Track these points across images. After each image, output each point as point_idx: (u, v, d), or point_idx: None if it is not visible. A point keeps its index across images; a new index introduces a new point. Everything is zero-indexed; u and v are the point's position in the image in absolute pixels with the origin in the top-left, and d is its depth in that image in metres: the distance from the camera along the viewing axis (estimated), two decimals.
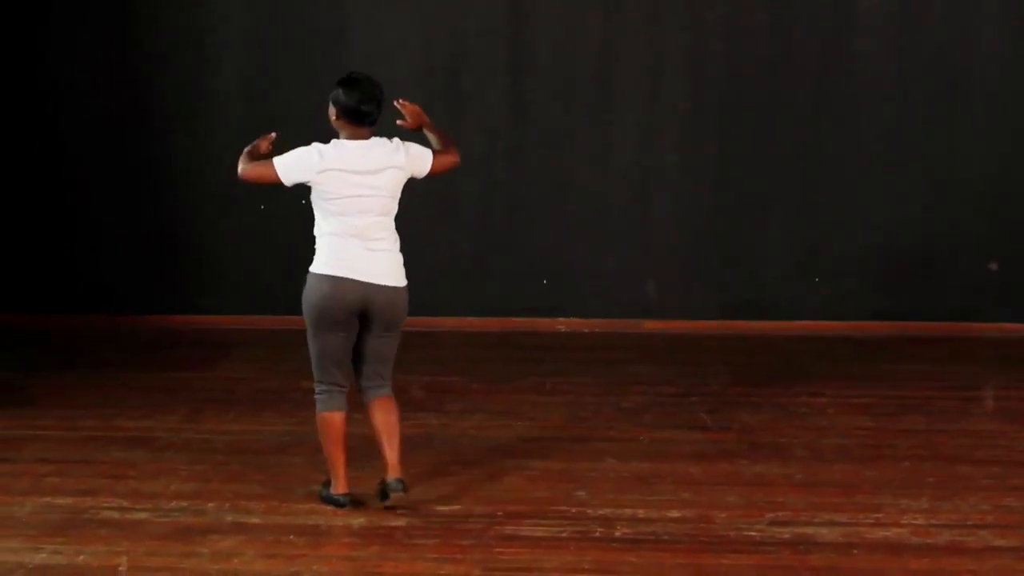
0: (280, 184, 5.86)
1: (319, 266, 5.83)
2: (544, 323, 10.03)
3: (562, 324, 10.02)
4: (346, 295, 5.77)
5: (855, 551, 5.49)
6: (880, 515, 5.91)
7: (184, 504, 6.05)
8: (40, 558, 5.39)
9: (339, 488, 5.94)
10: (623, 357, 9.23)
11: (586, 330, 10.02)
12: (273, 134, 6.10)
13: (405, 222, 10.04)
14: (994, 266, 10.01)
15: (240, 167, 5.89)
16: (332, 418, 5.95)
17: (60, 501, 6.09)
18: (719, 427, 7.45)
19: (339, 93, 5.85)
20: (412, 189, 10.28)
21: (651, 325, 10.05)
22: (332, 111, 5.89)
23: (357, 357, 5.97)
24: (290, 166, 5.81)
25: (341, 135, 5.90)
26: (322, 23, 10.14)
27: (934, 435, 7.29)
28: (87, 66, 10.18)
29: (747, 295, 10.16)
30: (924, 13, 9.96)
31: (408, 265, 10.14)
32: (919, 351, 9.52)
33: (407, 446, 6.93)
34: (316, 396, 6.00)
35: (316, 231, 5.89)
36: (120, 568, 5.30)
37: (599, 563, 5.35)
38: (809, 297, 10.14)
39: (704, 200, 10.18)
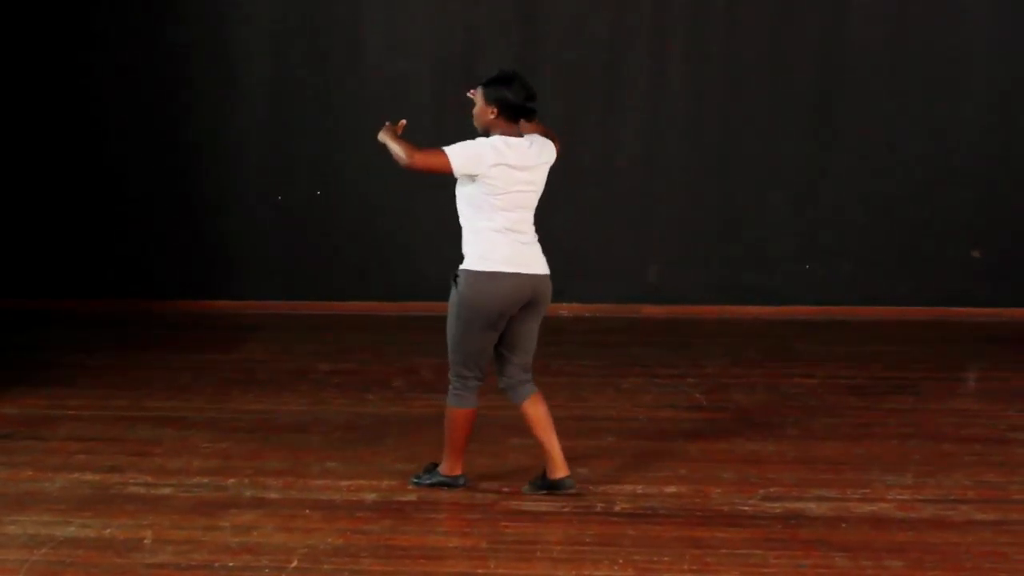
0: (447, 173, 5.53)
1: (487, 263, 5.55)
2: (548, 307, 9.98)
3: (565, 309, 9.99)
4: (520, 289, 5.58)
5: (843, 525, 5.47)
6: (867, 490, 5.89)
7: (206, 480, 6.05)
8: (70, 531, 5.39)
9: (458, 470, 5.84)
10: (623, 340, 9.21)
11: (588, 314, 9.99)
12: (403, 121, 5.74)
13: (417, 210, 10.14)
14: (977, 254, 9.98)
15: (406, 154, 5.48)
16: (469, 415, 5.74)
17: (89, 477, 6.08)
18: (714, 407, 7.44)
19: (502, 91, 5.54)
20: (426, 179, 10.31)
21: (650, 310, 10.03)
22: (490, 110, 5.56)
23: (510, 349, 5.76)
24: (466, 157, 5.46)
25: (493, 133, 5.57)
26: (340, 16, 10.11)
27: (920, 414, 7.26)
28: (120, 66, 10.18)
29: (743, 281, 10.13)
30: (919, 6, 9.90)
31: (419, 252, 10.26)
32: (906, 334, 9.49)
33: (419, 425, 6.97)
34: (454, 391, 5.74)
35: (469, 226, 5.62)
36: (145, 541, 5.29)
37: (600, 536, 5.34)
38: (803, 282, 10.11)
39: (704, 189, 10.14)
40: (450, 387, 5.76)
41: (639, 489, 5.90)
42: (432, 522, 5.51)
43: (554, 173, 10.63)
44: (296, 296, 10.24)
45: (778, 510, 5.64)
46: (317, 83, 10.14)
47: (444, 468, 5.85)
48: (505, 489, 5.87)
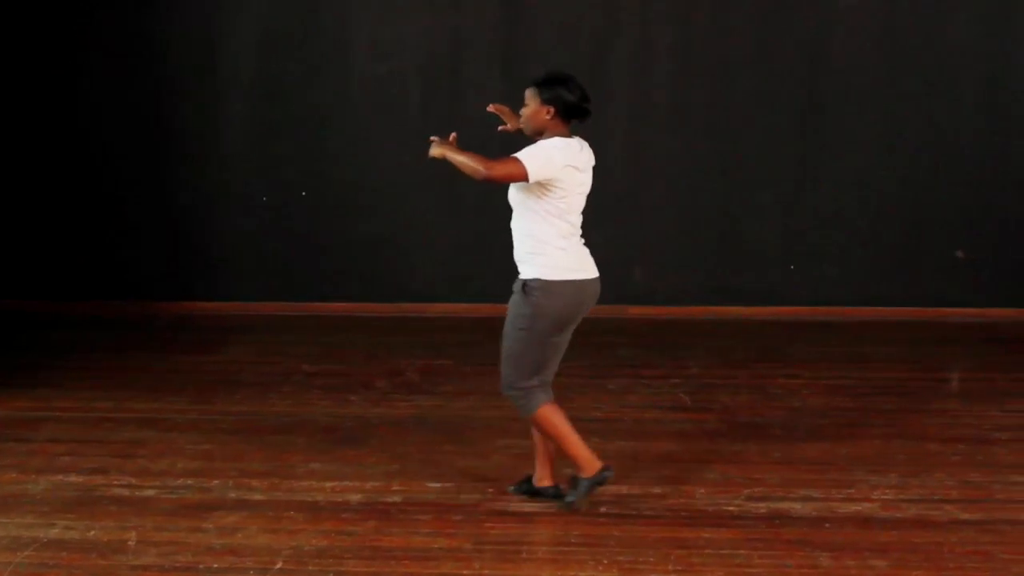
0: (523, 181, 5.32)
1: (561, 271, 5.44)
2: None
3: None
4: (589, 294, 5.51)
5: (827, 525, 5.49)
6: (852, 490, 5.91)
7: (190, 482, 6.04)
8: (53, 533, 5.38)
9: (597, 463, 5.60)
10: (609, 341, 9.20)
11: None
12: (455, 134, 5.57)
13: (402, 212, 10.14)
14: (960, 254, 10.01)
15: (483, 167, 5.28)
16: (553, 408, 5.58)
17: (73, 479, 6.08)
18: (699, 408, 7.44)
19: (560, 91, 5.47)
20: (414, 180, 10.29)
21: (635, 310, 10.03)
22: (546, 110, 5.47)
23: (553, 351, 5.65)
24: (541, 162, 5.31)
25: (547, 134, 5.49)
26: (325, 20, 10.10)
27: (904, 414, 7.28)
28: (106, 69, 10.15)
29: (729, 282, 10.14)
30: (907, 7, 9.93)
31: (403, 254, 10.25)
32: (892, 335, 9.51)
33: (403, 426, 6.98)
34: (521, 400, 5.56)
35: (533, 234, 5.46)
36: (129, 543, 5.28)
37: (585, 537, 5.35)
38: (789, 283, 10.12)
39: (691, 190, 10.14)
40: (516, 403, 5.59)
41: (624, 490, 5.91)
42: (417, 523, 5.51)
43: None
44: (281, 297, 10.23)
45: (763, 510, 5.66)
46: (303, 84, 10.13)
47: (585, 471, 5.61)
48: (490, 490, 5.88)
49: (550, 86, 5.52)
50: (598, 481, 5.62)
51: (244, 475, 6.12)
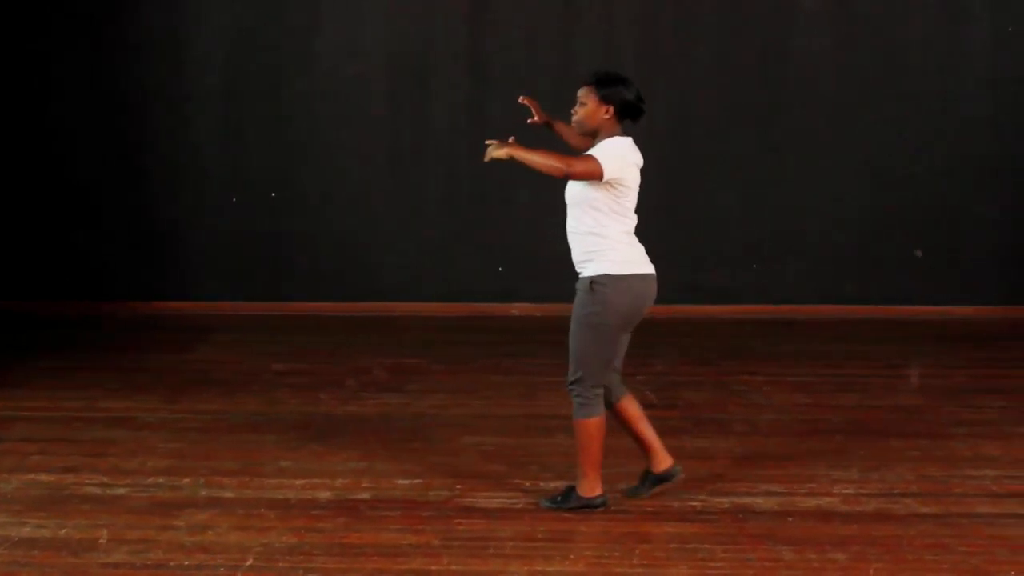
0: (597, 179, 5.32)
1: (628, 265, 5.44)
2: (500, 307, 10.04)
3: (515, 308, 10.03)
4: (652, 290, 5.51)
5: (790, 519, 5.53)
6: (813, 485, 5.96)
7: (161, 480, 6.03)
8: (25, 532, 5.36)
9: (598, 489, 5.56)
10: None
11: (538, 314, 10.02)
12: (512, 138, 5.45)
13: (371, 212, 10.15)
14: (919, 253, 10.10)
15: (563, 164, 5.28)
16: (601, 422, 5.50)
17: (44, 478, 6.05)
18: (664, 404, 7.48)
19: (621, 91, 5.45)
20: (381, 181, 10.30)
21: None
22: (605, 109, 5.44)
23: (615, 353, 5.59)
24: (614, 160, 5.34)
25: (603, 133, 5.48)
26: (293, 22, 10.12)
27: (864, 410, 7.35)
28: (73, 70, 10.13)
29: (693, 280, 10.19)
30: (865, 10, 10.02)
31: (372, 254, 10.26)
32: (852, 332, 9.60)
33: (372, 424, 7.00)
34: (583, 401, 5.45)
35: (597, 231, 5.44)
36: (100, 541, 5.27)
37: (551, 532, 5.37)
38: (752, 282, 10.19)
39: (654, 190, 10.11)
40: (576, 401, 5.49)
41: None
42: (386, 520, 5.51)
43: (504, 176, 10.70)
44: (250, 297, 10.23)
45: (726, 505, 5.70)
46: (271, 86, 10.14)
47: (584, 489, 5.56)
48: (458, 487, 5.89)
49: (609, 85, 5.47)
50: (589, 504, 5.58)
51: (215, 473, 6.12)
